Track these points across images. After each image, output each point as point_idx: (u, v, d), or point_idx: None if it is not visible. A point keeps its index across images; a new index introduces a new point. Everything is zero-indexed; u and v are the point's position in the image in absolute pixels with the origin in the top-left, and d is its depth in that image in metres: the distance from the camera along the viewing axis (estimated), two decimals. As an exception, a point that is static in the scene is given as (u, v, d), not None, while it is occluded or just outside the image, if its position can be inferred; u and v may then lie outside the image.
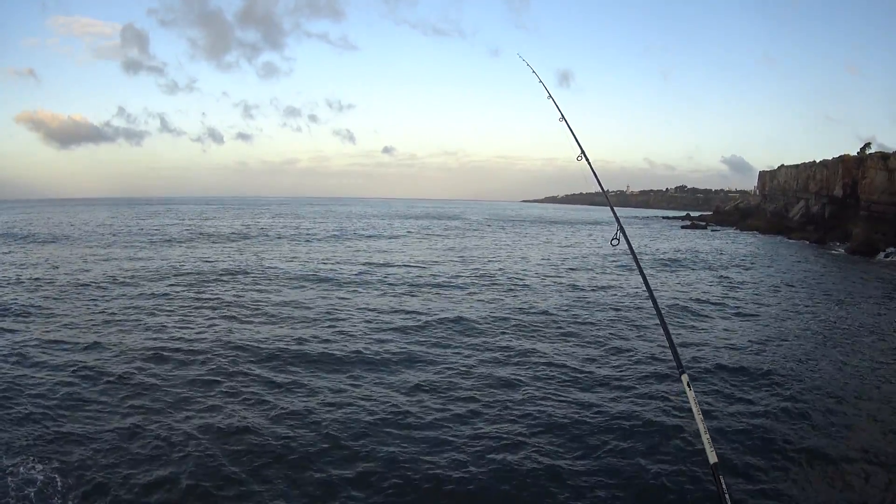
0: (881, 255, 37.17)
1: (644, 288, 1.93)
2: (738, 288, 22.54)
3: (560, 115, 3.23)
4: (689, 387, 1.75)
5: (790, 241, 47.54)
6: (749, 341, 13.92)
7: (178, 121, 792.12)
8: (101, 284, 19.85)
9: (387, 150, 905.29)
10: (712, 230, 61.99)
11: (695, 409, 1.62)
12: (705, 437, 1.54)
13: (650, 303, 2.06)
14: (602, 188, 2.77)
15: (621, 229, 2.34)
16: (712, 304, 18.76)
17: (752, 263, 31.68)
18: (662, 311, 1.82)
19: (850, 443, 8.38)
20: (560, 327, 14.78)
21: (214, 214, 78.13)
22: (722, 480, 1.37)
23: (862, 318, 17.40)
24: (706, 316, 16.90)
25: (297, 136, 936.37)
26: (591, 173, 3.03)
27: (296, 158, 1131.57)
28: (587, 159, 3.07)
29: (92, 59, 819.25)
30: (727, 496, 1.32)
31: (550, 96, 3.48)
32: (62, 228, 48.50)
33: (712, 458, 1.48)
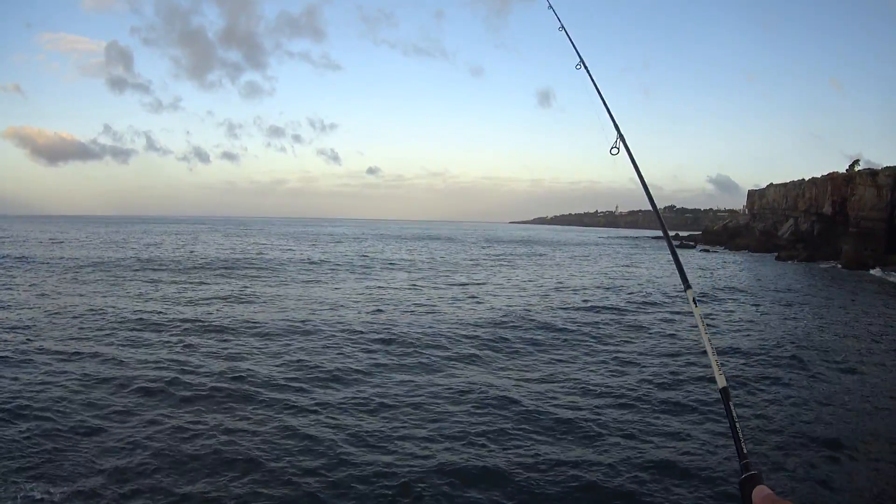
0: (871, 271, 37.38)
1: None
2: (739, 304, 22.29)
3: (559, 25, 3.13)
4: (696, 304, 1.66)
5: (780, 260, 47.34)
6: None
7: (163, 139, 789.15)
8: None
9: (371, 170, 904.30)
10: (701, 250, 61.87)
11: (701, 329, 1.54)
12: (713, 360, 1.43)
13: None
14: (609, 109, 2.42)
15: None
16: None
17: (744, 282, 31.54)
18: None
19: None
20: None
21: (204, 236, 77.43)
22: (731, 405, 1.28)
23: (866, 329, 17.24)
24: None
25: (281, 155, 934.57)
26: (591, 82, 2.78)
27: (284, 179, 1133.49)
28: (587, 69, 2.96)
29: (78, 76, 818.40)
30: (736, 421, 1.26)
31: (551, 6, 3.51)
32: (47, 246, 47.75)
33: (721, 382, 1.35)
